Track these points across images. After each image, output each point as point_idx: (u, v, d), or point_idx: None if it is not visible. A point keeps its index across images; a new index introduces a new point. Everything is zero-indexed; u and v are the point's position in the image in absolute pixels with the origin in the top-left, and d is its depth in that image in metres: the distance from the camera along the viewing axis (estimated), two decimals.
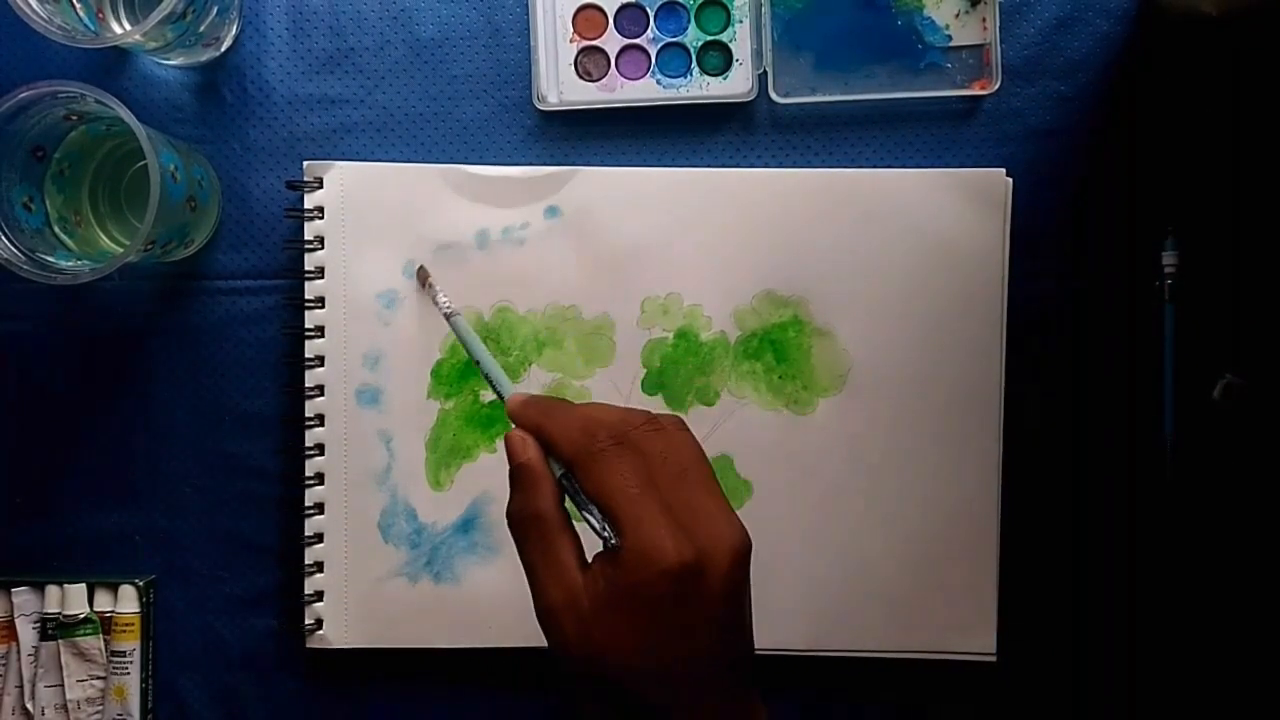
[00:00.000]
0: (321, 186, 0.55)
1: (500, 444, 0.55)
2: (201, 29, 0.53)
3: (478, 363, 0.47)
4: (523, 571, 0.39)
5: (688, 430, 0.41)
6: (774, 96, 0.55)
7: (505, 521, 0.54)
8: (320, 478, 0.55)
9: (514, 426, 0.42)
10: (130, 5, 0.55)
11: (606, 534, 0.38)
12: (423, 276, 0.55)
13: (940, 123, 0.56)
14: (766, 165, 0.56)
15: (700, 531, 0.38)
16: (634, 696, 0.37)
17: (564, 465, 0.40)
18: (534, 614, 0.39)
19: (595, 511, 0.39)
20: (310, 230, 0.55)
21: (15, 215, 0.50)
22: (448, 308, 0.51)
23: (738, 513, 0.39)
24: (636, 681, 0.37)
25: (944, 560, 0.55)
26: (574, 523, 0.40)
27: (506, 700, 0.57)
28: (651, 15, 0.56)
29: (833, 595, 0.55)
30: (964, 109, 0.56)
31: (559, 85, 0.56)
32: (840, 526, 0.55)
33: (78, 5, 0.52)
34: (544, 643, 0.54)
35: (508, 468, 0.41)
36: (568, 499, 0.40)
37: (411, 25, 0.57)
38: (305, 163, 0.56)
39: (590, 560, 0.39)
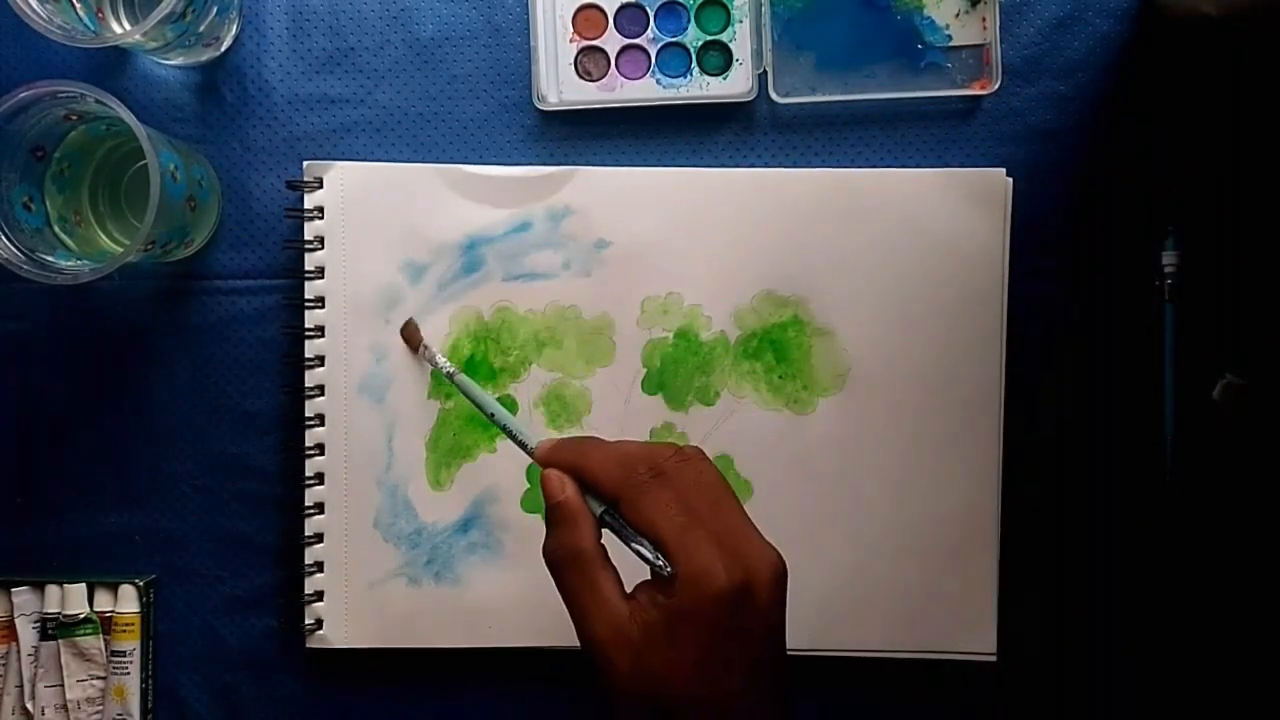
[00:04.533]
0: (321, 186, 0.55)
1: (500, 443, 0.56)
2: (201, 29, 0.53)
3: (491, 416, 0.48)
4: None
5: (708, 458, 0.42)
6: (774, 96, 0.55)
7: (506, 521, 0.55)
8: (320, 477, 0.55)
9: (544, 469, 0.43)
10: (130, 5, 0.55)
11: (660, 563, 0.39)
12: (413, 335, 0.54)
13: (940, 123, 0.56)
14: (766, 165, 0.56)
15: (743, 555, 0.39)
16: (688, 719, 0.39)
17: (607, 501, 0.41)
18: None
19: (645, 543, 0.40)
20: (310, 230, 0.55)
21: (15, 215, 0.50)
22: (448, 368, 0.52)
23: None
24: (691, 705, 0.38)
25: (944, 560, 0.55)
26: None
27: (506, 700, 0.57)
28: (651, 15, 0.56)
29: (832, 595, 0.55)
30: (964, 109, 0.56)
31: (559, 85, 0.56)
32: (840, 526, 0.55)
33: (78, 5, 0.52)
34: (543, 643, 0.55)
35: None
36: (605, 534, 0.41)
37: (411, 25, 0.57)
38: (305, 163, 0.56)
39: (631, 591, 0.40)
